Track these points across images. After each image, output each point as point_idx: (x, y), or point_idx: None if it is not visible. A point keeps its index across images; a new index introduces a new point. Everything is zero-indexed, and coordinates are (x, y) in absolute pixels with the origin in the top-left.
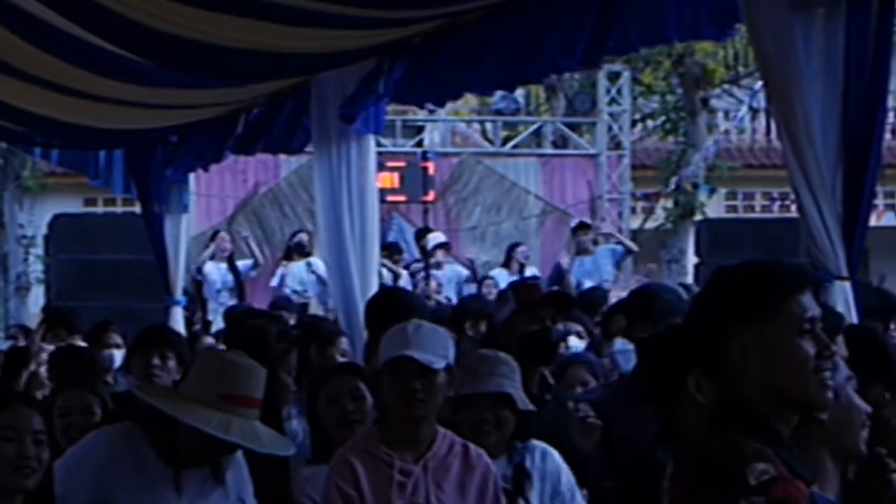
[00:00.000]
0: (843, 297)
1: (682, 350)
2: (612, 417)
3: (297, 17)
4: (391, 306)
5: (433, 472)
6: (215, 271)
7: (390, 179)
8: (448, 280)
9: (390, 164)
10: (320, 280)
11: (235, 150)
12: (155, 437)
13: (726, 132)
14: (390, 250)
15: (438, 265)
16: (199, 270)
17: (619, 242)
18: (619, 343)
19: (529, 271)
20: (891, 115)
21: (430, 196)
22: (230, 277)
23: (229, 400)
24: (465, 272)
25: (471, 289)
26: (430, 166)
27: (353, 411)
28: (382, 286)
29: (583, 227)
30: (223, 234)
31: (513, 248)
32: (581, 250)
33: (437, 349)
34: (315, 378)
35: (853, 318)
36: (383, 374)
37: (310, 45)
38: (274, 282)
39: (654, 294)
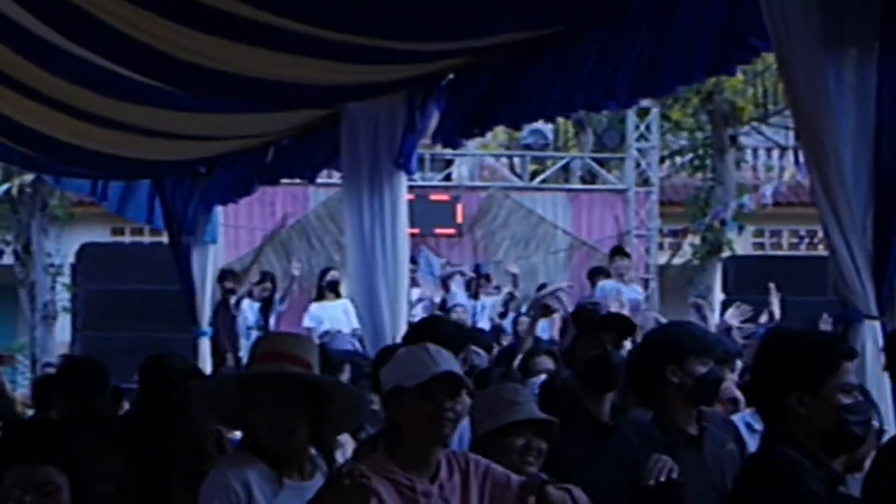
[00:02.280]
0: (872, 337)
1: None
2: None
3: (327, 49)
4: (435, 333)
5: (446, 490)
6: (249, 310)
7: None
8: (483, 309)
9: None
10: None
11: (265, 181)
12: (249, 446)
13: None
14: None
15: (475, 295)
16: (238, 304)
17: None
18: None
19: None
20: None
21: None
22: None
23: (275, 357)
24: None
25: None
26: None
27: None
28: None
29: (619, 252)
30: (268, 283)
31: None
32: (617, 274)
33: (459, 368)
34: None
35: (881, 357)
36: (408, 397)
37: (340, 77)
38: (308, 322)
39: (683, 331)
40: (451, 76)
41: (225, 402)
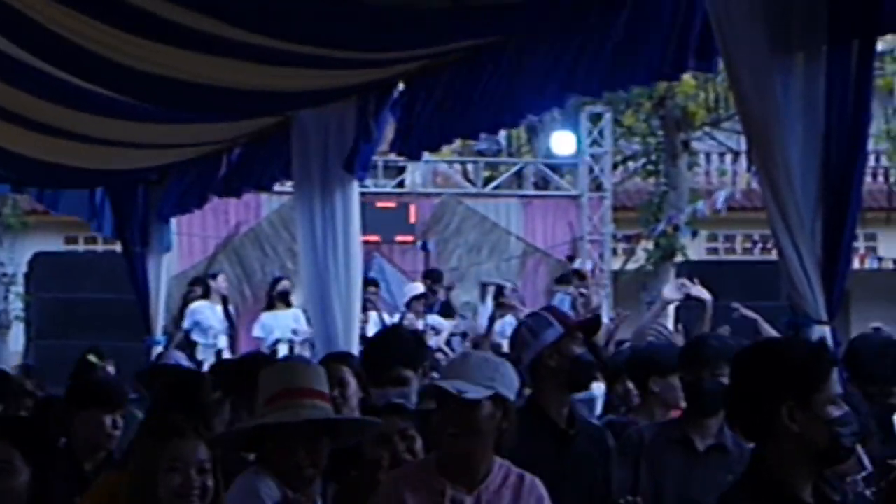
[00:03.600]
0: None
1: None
2: None
3: (276, 57)
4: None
5: (483, 502)
6: (209, 312)
7: None
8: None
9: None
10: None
11: (220, 192)
12: (271, 469)
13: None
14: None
15: (417, 315)
16: (182, 310)
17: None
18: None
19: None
20: (871, 158)
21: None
22: (225, 322)
23: (295, 394)
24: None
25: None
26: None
27: (404, 451)
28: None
29: (578, 275)
30: (222, 276)
31: (499, 291)
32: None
33: (479, 378)
34: None
35: None
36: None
37: (289, 83)
38: (258, 332)
39: (701, 341)
40: (401, 84)
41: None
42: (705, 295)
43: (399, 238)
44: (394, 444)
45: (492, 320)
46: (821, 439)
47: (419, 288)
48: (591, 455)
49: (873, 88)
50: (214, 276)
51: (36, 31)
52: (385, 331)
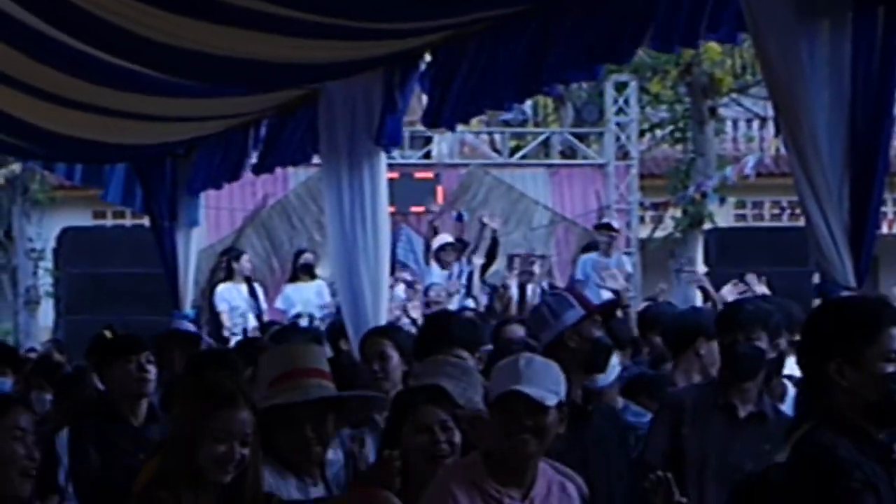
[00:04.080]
0: None
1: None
2: None
3: (300, 28)
4: (440, 333)
5: None
6: (235, 293)
7: None
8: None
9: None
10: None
11: (252, 169)
12: (274, 456)
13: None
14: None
15: (446, 265)
16: (212, 293)
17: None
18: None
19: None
20: None
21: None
22: (252, 301)
23: (298, 374)
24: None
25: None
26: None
27: (444, 443)
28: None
29: (604, 227)
30: (246, 256)
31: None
32: (601, 248)
33: (548, 384)
34: (399, 404)
35: None
36: (492, 410)
37: (315, 55)
38: (280, 304)
39: (737, 305)
40: (427, 55)
41: None
42: (765, 290)
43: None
44: (434, 433)
45: (521, 291)
46: (871, 395)
47: (447, 238)
48: (607, 433)
49: None
50: (238, 257)
51: (60, 4)
52: (442, 312)
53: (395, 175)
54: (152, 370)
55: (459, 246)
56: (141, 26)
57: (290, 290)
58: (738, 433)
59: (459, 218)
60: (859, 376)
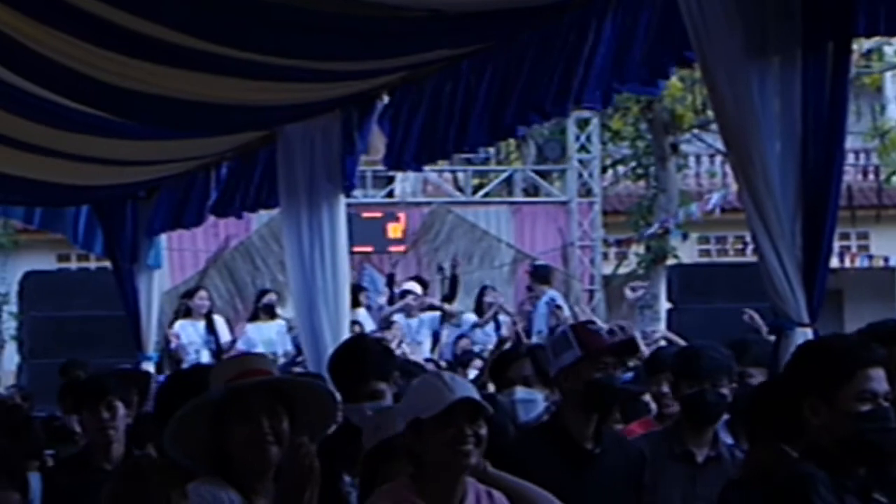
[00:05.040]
0: None
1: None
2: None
3: (257, 71)
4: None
5: None
6: (191, 329)
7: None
8: (421, 325)
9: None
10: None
11: (217, 213)
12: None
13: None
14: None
15: (409, 313)
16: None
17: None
18: (521, 392)
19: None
20: (862, 156)
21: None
22: (209, 337)
23: (241, 376)
24: (437, 315)
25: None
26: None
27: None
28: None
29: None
30: (202, 292)
31: (482, 292)
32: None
33: (476, 393)
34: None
35: None
36: (431, 425)
37: (273, 97)
38: (242, 345)
39: (699, 353)
40: (385, 96)
41: (191, 430)
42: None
43: (391, 248)
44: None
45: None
46: (844, 434)
47: (408, 285)
48: (619, 472)
49: (864, 85)
50: (192, 294)
51: (16, 49)
52: (350, 343)
53: (376, 214)
54: (116, 415)
55: (421, 294)
56: (98, 70)
57: (251, 329)
58: (699, 479)
59: (441, 270)
60: (832, 415)
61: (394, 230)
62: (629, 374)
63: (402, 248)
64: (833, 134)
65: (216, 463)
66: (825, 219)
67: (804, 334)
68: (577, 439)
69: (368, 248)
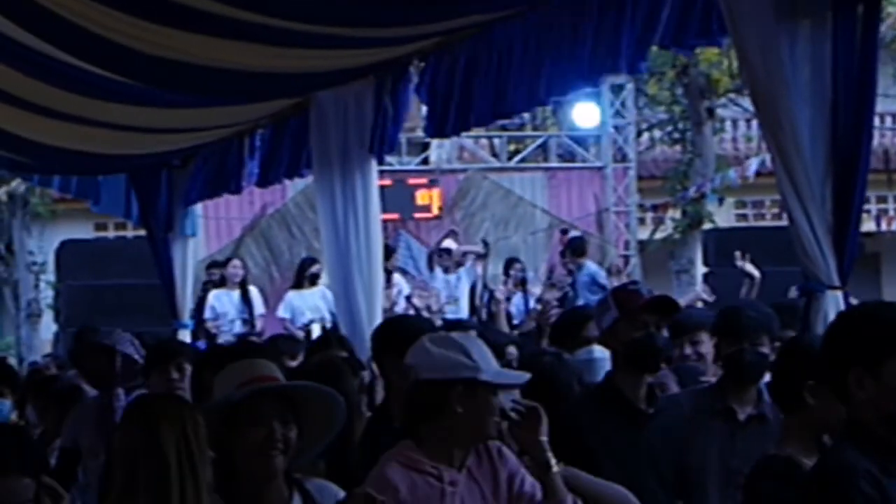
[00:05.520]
0: (835, 307)
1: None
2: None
3: (289, 38)
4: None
5: (475, 474)
6: (225, 299)
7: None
8: (459, 280)
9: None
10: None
11: (258, 183)
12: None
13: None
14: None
15: (447, 269)
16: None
17: None
18: (597, 351)
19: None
20: None
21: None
22: (243, 307)
23: (250, 382)
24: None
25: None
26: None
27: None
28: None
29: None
30: (235, 261)
31: (509, 263)
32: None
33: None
34: None
35: None
36: (453, 392)
37: (305, 64)
38: (284, 312)
39: (739, 312)
40: (418, 61)
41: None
42: (754, 271)
43: (416, 215)
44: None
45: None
46: (891, 408)
47: (448, 243)
48: (671, 431)
49: (887, 51)
50: (225, 263)
51: (52, 21)
52: (392, 321)
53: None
54: (185, 376)
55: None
56: (132, 39)
57: (293, 296)
58: (739, 437)
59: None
60: (879, 388)
61: (422, 197)
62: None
63: (429, 214)
64: (863, 96)
65: (217, 469)
66: (855, 181)
67: (834, 297)
68: (630, 399)
69: (394, 216)
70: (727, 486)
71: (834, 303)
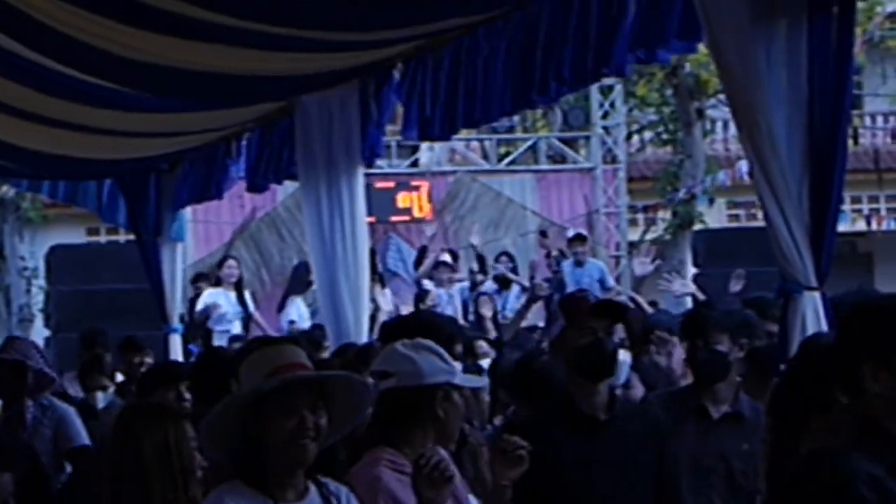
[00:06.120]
0: (812, 308)
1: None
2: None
3: (270, 42)
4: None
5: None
6: (223, 298)
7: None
8: (451, 298)
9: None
10: None
11: (249, 187)
12: (251, 477)
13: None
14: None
15: (441, 283)
16: (193, 302)
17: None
18: None
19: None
20: (890, 119)
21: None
22: (239, 307)
23: (281, 370)
24: (467, 285)
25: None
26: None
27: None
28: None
29: (578, 239)
30: (231, 262)
31: (498, 258)
32: (575, 261)
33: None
34: None
35: (822, 328)
36: (437, 397)
37: (286, 67)
38: (294, 315)
39: (697, 313)
40: (400, 64)
41: (223, 427)
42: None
43: (392, 218)
44: None
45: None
46: None
47: (441, 256)
48: (633, 438)
49: (889, 49)
50: (221, 264)
51: (36, 28)
52: (415, 315)
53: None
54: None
55: (453, 265)
56: (115, 45)
57: (300, 302)
58: (711, 435)
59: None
60: (891, 383)
61: (403, 200)
62: None
63: (406, 217)
64: (839, 97)
65: (247, 458)
66: (832, 182)
67: (812, 298)
68: (584, 408)
69: (371, 219)
70: (700, 484)
71: (811, 304)
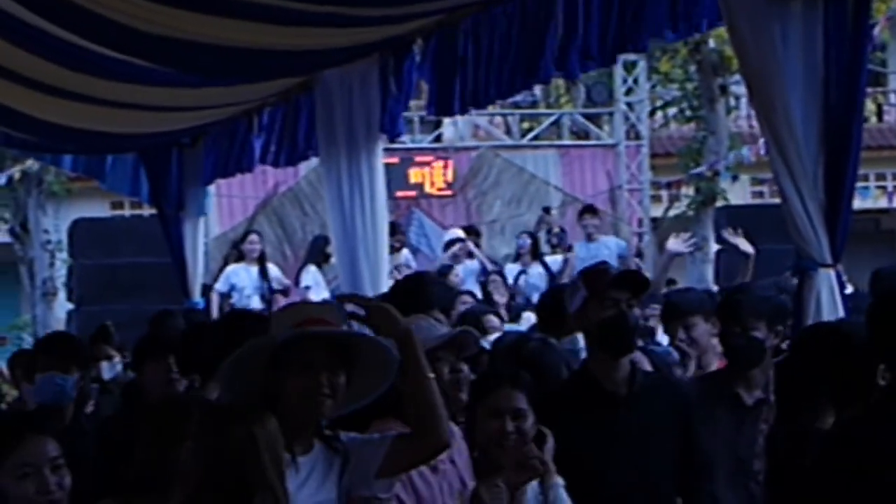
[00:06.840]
0: (827, 285)
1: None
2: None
3: (290, 17)
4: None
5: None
6: (244, 273)
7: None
8: (467, 274)
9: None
10: None
11: (274, 163)
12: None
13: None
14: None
15: (456, 258)
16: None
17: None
18: (569, 341)
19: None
20: None
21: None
22: (260, 282)
23: (305, 323)
24: (478, 265)
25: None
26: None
27: (513, 432)
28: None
29: (589, 211)
30: (253, 236)
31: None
32: (586, 235)
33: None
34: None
35: (837, 305)
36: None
37: (309, 42)
38: (309, 282)
39: (736, 297)
40: (420, 39)
41: (248, 374)
42: (748, 248)
43: (398, 193)
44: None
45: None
46: None
47: (457, 233)
48: (655, 415)
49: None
50: (243, 239)
51: (59, 3)
52: (416, 275)
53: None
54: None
55: (472, 239)
56: (137, 20)
57: (315, 271)
58: (745, 421)
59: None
60: None
61: (415, 175)
62: None
63: (412, 193)
64: (854, 78)
65: (268, 406)
66: (847, 161)
67: (827, 275)
68: (604, 384)
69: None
70: (736, 475)
71: (826, 280)
